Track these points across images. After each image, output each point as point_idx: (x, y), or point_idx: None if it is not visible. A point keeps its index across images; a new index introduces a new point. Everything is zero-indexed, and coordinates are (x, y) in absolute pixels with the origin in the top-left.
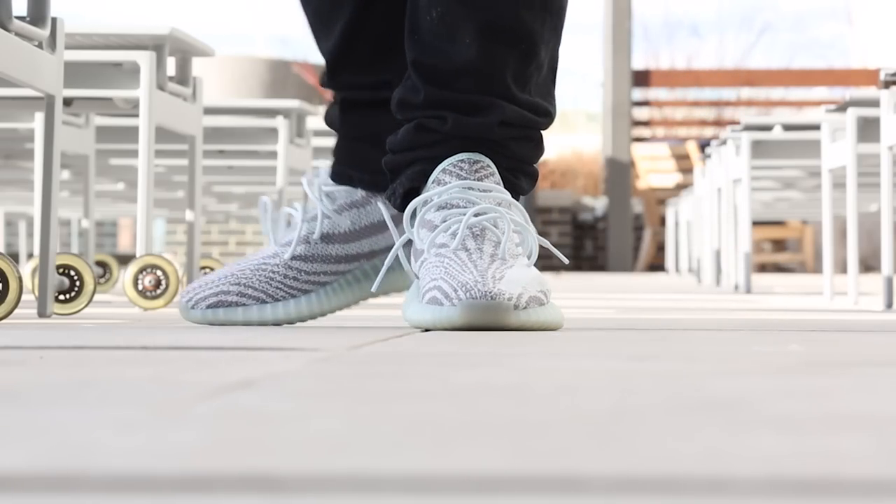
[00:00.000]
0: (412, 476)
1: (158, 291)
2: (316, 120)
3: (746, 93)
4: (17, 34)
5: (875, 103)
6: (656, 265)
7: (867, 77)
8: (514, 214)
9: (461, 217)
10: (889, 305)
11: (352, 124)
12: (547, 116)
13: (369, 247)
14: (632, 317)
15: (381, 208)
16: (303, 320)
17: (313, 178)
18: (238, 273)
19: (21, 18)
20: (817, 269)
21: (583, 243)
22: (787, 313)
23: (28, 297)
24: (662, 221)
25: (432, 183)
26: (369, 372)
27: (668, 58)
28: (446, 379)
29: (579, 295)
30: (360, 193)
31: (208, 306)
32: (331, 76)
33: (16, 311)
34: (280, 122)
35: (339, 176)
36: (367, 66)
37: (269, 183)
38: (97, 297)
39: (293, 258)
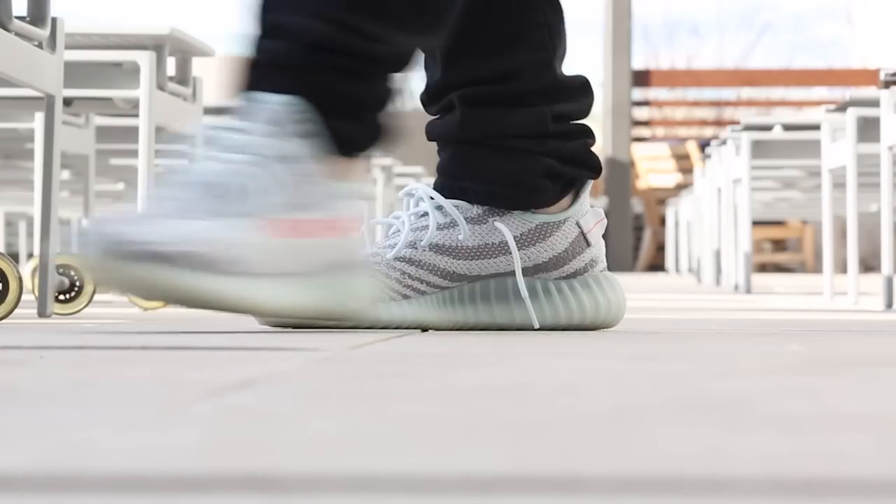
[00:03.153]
0: (412, 476)
1: None
2: None
3: (746, 93)
4: (17, 34)
5: (875, 103)
6: (656, 265)
7: (867, 77)
8: None
9: None
10: (889, 305)
11: (470, 126)
12: None
13: (478, 269)
14: (631, 317)
15: (502, 228)
16: (396, 326)
17: (417, 188)
18: None
19: (21, 18)
20: (817, 269)
21: None
22: (787, 313)
23: (28, 297)
24: (662, 221)
25: None
26: (369, 372)
27: (668, 58)
28: (446, 379)
29: None
30: (475, 210)
31: None
32: (445, 70)
33: (16, 311)
34: None
35: (449, 189)
36: (491, 52)
37: None
38: (97, 297)
39: (397, 258)
